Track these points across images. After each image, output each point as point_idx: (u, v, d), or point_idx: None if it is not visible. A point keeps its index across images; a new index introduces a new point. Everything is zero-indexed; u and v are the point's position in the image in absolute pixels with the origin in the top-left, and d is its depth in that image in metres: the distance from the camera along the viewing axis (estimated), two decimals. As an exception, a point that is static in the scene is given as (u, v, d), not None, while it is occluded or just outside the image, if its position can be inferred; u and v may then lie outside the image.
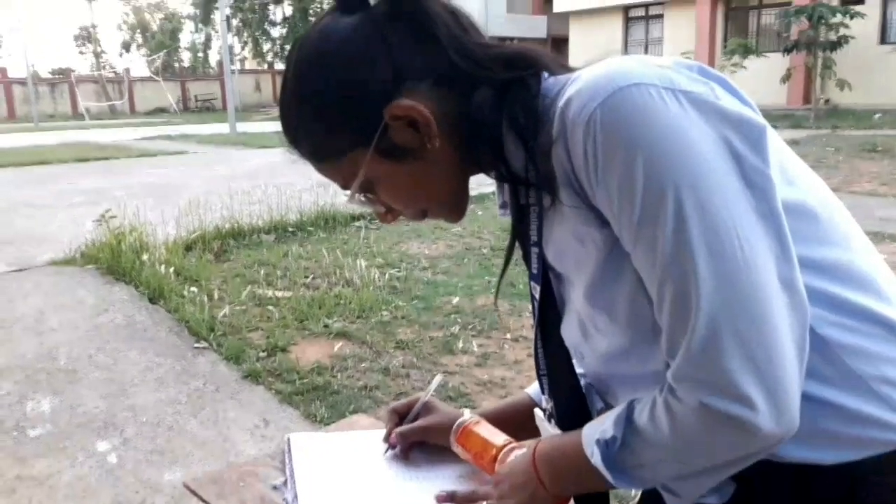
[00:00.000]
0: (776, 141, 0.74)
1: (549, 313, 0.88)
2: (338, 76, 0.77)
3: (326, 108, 0.78)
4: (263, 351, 3.52)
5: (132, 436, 2.76)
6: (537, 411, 0.96)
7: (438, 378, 1.17)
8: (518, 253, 0.88)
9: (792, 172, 0.76)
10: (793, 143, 11.49)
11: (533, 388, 1.09)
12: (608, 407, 0.90)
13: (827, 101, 17.83)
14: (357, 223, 6.27)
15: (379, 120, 0.77)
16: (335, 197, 6.02)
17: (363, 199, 0.84)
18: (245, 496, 1.02)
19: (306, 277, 4.76)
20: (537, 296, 0.87)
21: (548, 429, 0.94)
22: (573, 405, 0.90)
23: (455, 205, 0.87)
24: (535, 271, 0.86)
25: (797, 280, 0.67)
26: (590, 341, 0.85)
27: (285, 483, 1.04)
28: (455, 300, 4.24)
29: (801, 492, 0.74)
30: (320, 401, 2.98)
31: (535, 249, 0.84)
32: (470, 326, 3.81)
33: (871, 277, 0.76)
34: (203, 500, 1.03)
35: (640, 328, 0.76)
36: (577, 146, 0.71)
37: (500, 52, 0.79)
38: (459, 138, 0.80)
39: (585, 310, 0.82)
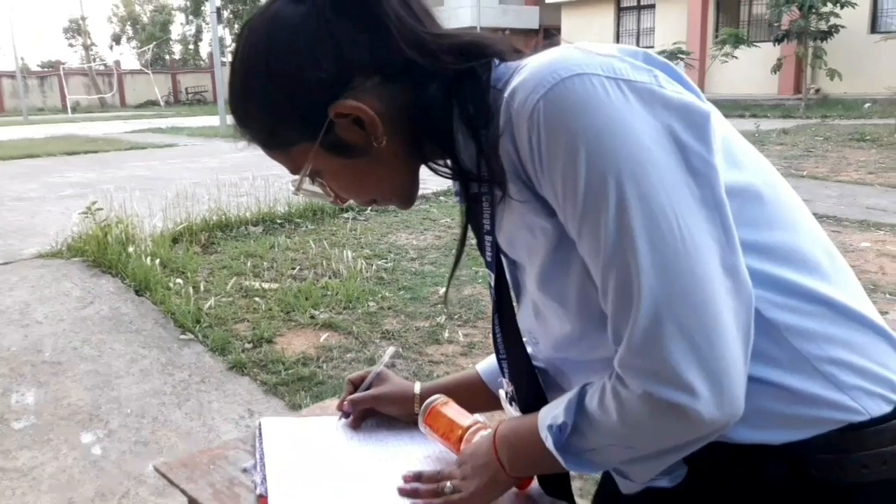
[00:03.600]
0: (721, 124, 0.74)
1: (504, 300, 0.89)
2: (283, 73, 0.76)
3: (272, 103, 0.78)
4: (249, 342, 3.52)
5: (117, 427, 2.76)
6: (501, 392, 0.97)
7: (391, 350, 1.18)
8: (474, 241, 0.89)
9: (738, 155, 0.76)
10: (783, 132, 11.56)
11: (482, 366, 1.10)
12: (554, 388, 0.91)
13: (817, 90, 17.89)
14: (345, 214, 6.27)
15: (324, 117, 0.76)
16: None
17: (311, 187, 0.84)
18: (214, 479, 1.03)
19: (293, 269, 4.76)
20: (493, 283, 0.88)
21: (510, 410, 0.95)
22: (532, 388, 0.91)
23: (404, 195, 0.87)
24: (489, 259, 0.86)
25: (740, 266, 0.68)
26: (543, 326, 0.86)
27: (255, 466, 1.05)
28: (442, 290, 4.24)
29: (751, 472, 0.75)
30: (305, 391, 2.99)
31: (488, 238, 0.84)
32: (456, 316, 3.82)
33: (816, 259, 0.76)
34: (173, 483, 1.04)
35: (589, 315, 0.77)
36: (522, 138, 0.71)
37: (452, 42, 0.78)
38: (409, 133, 0.79)
39: (538, 296, 0.82)
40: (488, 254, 0.85)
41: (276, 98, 0.77)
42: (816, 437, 0.72)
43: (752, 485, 0.75)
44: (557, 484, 0.94)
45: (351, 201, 0.88)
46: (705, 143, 0.68)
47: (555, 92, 0.68)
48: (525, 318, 0.89)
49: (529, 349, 0.91)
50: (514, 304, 0.90)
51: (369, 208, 6.37)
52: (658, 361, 0.66)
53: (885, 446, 0.73)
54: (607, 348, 0.74)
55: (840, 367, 0.73)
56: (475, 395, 1.08)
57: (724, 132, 0.75)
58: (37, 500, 2.28)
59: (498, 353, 0.94)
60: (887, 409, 0.73)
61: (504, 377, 0.94)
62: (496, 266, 0.86)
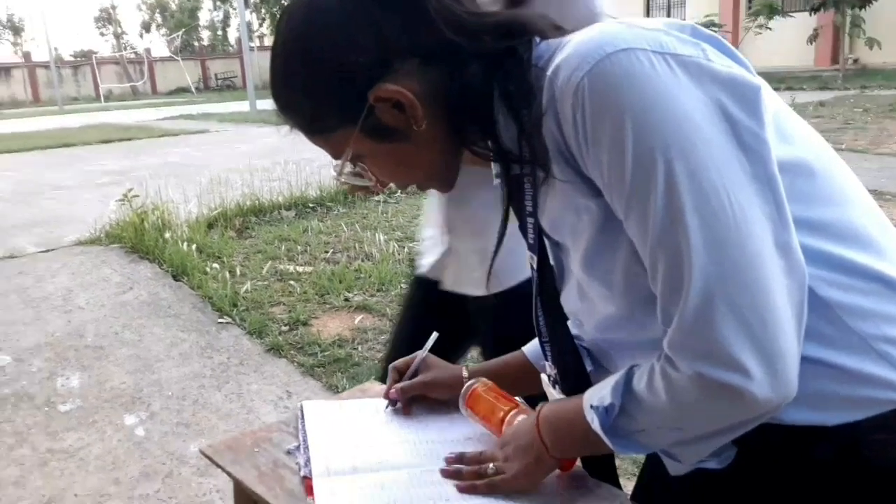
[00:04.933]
0: (771, 98, 0.72)
1: (546, 282, 0.88)
2: (323, 58, 0.75)
3: (313, 89, 0.77)
4: (285, 325, 3.56)
5: (158, 409, 2.82)
6: (543, 377, 0.97)
7: (434, 335, 1.18)
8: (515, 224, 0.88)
9: (788, 130, 0.74)
10: (820, 104, 11.27)
11: (528, 347, 1.10)
12: (599, 369, 0.91)
13: (856, 60, 17.40)
14: (376, 198, 6.28)
15: (365, 101, 0.76)
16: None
17: (352, 172, 0.84)
18: (259, 461, 1.04)
19: (326, 252, 4.79)
20: (535, 266, 0.87)
21: (553, 394, 0.94)
22: (576, 371, 0.90)
23: (444, 178, 0.87)
24: (531, 241, 0.85)
25: (793, 243, 0.66)
26: (588, 308, 0.85)
27: (298, 448, 1.06)
28: (474, 271, 4.24)
29: (803, 454, 0.74)
30: (342, 372, 3.02)
31: (530, 220, 0.83)
32: (489, 297, 3.81)
33: (870, 235, 0.74)
34: (218, 465, 1.05)
35: (636, 296, 0.76)
36: (566, 116, 0.70)
37: (492, 21, 0.77)
38: (449, 115, 0.78)
39: (583, 278, 0.81)
40: (530, 236, 0.84)
41: (315, 84, 0.77)
42: (871, 418, 0.71)
43: (804, 466, 0.74)
44: (602, 465, 0.94)
45: (392, 186, 0.87)
46: (756, 117, 0.67)
47: (600, 68, 0.67)
48: (569, 300, 0.89)
49: (574, 331, 0.91)
50: (558, 286, 0.89)
51: (400, 191, 6.38)
52: (710, 341, 0.65)
53: None
54: (653, 329, 0.73)
55: None
56: (523, 377, 1.07)
57: (775, 106, 0.73)
58: (84, 480, 2.35)
59: (540, 336, 0.93)
60: None
61: (547, 360, 0.94)
62: (538, 248, 0.85)
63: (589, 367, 0.91)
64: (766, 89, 0.70)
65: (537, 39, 0.77)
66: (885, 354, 0.71)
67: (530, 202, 0.81)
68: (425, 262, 1.57)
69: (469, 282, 1.49)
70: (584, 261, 0.79)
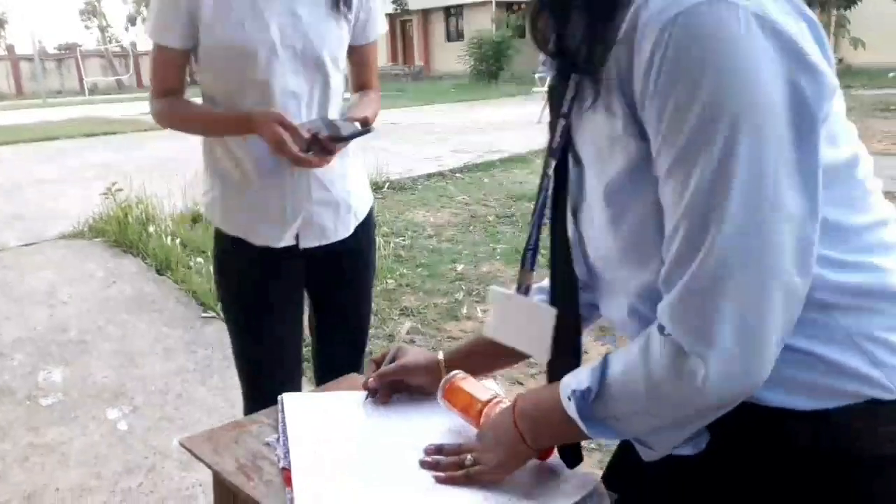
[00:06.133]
0: (840, 101, 0.72)
1: (560, 188, 0.85)
2: None
3: None
4: (270, 319, 3.55)
5: (141, 404, 2.81)
6: (493, 287, 0.99)
7: (408, 324, 1.19)
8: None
9: (836, 132, 0.73)
10: (804, 103, 11.33)
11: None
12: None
13: (840, 60, 17.53)
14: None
15: None
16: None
17: None
18: (238, 452, 1.05)
19: (312, 247, 4.77)
20: (550, 172, 0.83)
21: (500, 294, 0.97)
22: (567, 281, 0.88)
23: None
24: (555, 145, 0.82)
25: (814, 241, 0.67)
26: (590, 228, 0.83)
27: (278, 440, 1.07)
28: (460, 267, 4.25)
29: (774, 435, 0.75)
30: (326, 367, 3.02)
31: (562, 122, 0.80)
32: (474, 293, 3.83)
33: (883, 241, 0.75)
34: (198, 457, 1.06)
35: (635, 245, 0.76)
36: (643, 51, 0.67)
37: None
38: None
39: (597, 201, 0.79)
40: (556, 139, 0.81)
41: None
42: (841, 408, 0.72)
43: (776, 451, 0.75)
44: (574, 452, 0.94)
45: None
46: (822, 111, 0.65)
47: (696, 12, 0.63)
48: (583, 221, 0.86)
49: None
50: (573, 204, 0.86)
51: (385, 187, 6.38)
52: (704, 318, 0.67)
53: None
54: (637, 281, 0.75)
55: (879, 344, 0.72)
56: (495, 351, 1.05)
57: (840, 107, 0.73)
58: (66, 475, 2.34)
59: (528, 244, 0.91)
60: None
61: (532, 269, 0.93)
62: (560, 153, 0.82)
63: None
64: (838, 92, 0.69)
65: None
66: (866, 351, 0.72)
67: (567, 104, 0.78)
68: (264, 238, 1.61)
69: (328, 233, 1.63)
70: (603, 190, 0.77)
